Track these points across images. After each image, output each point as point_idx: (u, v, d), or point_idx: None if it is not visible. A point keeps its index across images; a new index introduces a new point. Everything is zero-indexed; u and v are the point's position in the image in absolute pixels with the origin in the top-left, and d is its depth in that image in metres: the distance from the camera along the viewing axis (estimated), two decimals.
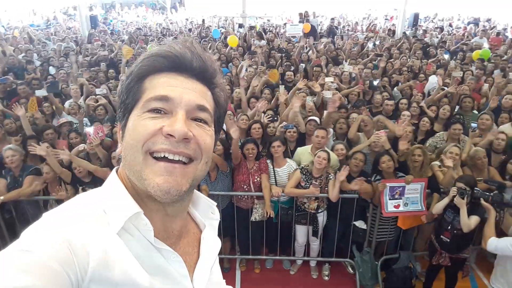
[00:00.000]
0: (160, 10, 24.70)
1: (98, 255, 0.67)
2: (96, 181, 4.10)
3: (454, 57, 9.29)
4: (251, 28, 12.45)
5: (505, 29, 14.64)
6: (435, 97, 6.18)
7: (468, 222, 3.45)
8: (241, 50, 9.68)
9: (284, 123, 4.77)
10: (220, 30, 12.61)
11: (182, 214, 0.88)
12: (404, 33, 13.35)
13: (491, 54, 9.15)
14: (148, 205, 0.78)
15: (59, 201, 4.10)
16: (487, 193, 3.49)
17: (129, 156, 0.75)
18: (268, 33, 11.71)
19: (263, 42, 10.34)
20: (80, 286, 0.65)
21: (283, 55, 8.76)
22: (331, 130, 4.87)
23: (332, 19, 15.78)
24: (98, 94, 6.07)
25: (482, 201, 3.46)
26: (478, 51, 9.32)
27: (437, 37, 12.89)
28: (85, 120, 5.66)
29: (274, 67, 7.92)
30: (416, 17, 15.35)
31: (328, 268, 4.53)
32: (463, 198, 3.43)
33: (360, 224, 4.22)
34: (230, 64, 8.61)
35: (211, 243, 0.95)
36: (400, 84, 7.16)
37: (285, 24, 14.36)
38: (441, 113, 5.42)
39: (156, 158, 0.73)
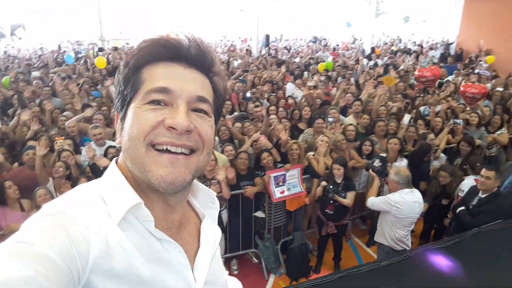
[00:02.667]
0: None
1: (99, 246, 0.67)
2: None
3: (307, 69, 10.76)
4: (115, 49, 12.21)
5: (338, 45, 17.48)
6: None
7: (347, 201, 4.28)
8: (105, 72, 9.49)
9: None
10: (77, 55, 12.01)
11: (182, 204, 0.88)
12: (260, 52, 14.82)
13: (333, 65, 10.96)
14: (148, 196, 0.79)
15: None
16: (374, 165, 4.40)
17: (131, 149, 0.75)
18: None
19: None
20: (81, 277, 0.65)
21: None
22: (216, 137, 5.31)
23: None
24: None
25: (370, 171, 4.39)
26: (322, 64, 11.01)
27: (287, 54, 14.70)
28: None
29: None
30: (267, 38, 17.15)
31: (236, 262, 4.86)
32: (330, 194, 4.29)
33: (259, 213, 4.69)
34: (99, 86, 8.38)
35: (210, 233, 0.94)
36: (265, 94, 8.05)
37: None
38: (304, 114, 6.32)
39: (159, 150, 0.74)
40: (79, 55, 12.18)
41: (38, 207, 3.61)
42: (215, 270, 0.94)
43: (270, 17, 20.55)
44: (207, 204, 0.97)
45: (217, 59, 0.85)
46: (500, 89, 8.40)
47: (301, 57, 12.57)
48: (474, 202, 3.94)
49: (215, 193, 1.01)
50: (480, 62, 12.19)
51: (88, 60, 10.98)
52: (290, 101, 7.30)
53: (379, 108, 6.26)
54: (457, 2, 16.32)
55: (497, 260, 3.10)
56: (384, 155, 4.92)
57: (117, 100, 0.81)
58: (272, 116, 5.99)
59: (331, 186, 4.33)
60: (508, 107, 7.03)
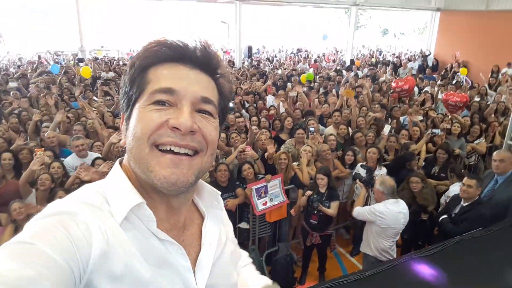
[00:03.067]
0: None
1: (100, 246, 0.67)
2: None
3: (289, 81, 10.83)
4: (96, 59, 12.09)
5: (319, 57, 17.71)
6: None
7: (331, 211, 4.27)
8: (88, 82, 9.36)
9: None
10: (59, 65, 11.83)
11: (186, 205, 0.88)
12: (243, 63, 14.89)
13: (314, 76, 11.09)
14: (152, 197, 0.79)
15: None
16: (362, 175, 4.41)
17: (134, 149, 0.74)
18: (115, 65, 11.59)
19: (111, 74, 10.18)
20: (82, 276, 0.64)
21: None
22: None
23: None
24: None
25: (358, 181, 4.38)
26: (304, 75, 11.12)
27: (269, 66, 14.81)
28: None
29: None
30: (250, 49, 17.22)
31: None
32: (314, 204, 4.28)
33: (243, 225, 4.63)
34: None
35: (213, 234, 0.92)
36: (247, 104, 8.07)
37: (130, 58, 14.28)
38: (286, 124, 6.34)
39: (162, 151, 0.73)
40: (59, 66, 11.98)
41: (14, 221, 3.47)
42: (220, 273, 0.91)
43: (253, 28, 20.73)
44: (211, 203, 0.94)
45: (223, 61, 0.85)
46: (478, 99, 8.63)
47: (284, 69, 12.66)
48: (457, 210, 3.98)
49: (220, 192, 0.98)
50: (457, 73, 12.55)
51: (69, 70, 10.84)
52: (272, 111, 7.31)
53: (358, 119, 6.35)
54: (434, 16, 16.84)
55: (478, 268, 3.13)
56: (363, 163, 4.95)
57: (122, 100, 0.81)
58: (253, 127, 5.99)
59: (315, 196, 4.32)
60: (485, 117, 7.21)
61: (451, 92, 7.80)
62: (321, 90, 9.80)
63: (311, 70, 12.61)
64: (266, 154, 5.00)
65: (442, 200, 4.70)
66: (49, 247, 0.61)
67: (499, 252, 3.29)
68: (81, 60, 13.46)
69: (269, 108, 7.58)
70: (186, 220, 0.88)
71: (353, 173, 4.67)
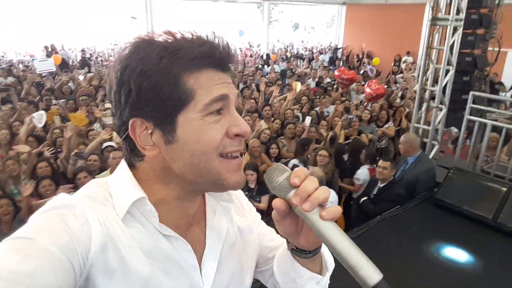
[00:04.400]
0: None
1: (100, 239, 0.67)
2: None
3: None
4: None
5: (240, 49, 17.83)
6: None
7: (263, 205, 4.32)
8: None
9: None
10: None
11: (197, 200, 0.86)
12: None
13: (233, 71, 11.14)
14: (164, 196, 0.78)
15: None
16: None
17: (202, 163, 0.72)
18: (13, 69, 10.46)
19: (11, 79, 9.18)
20: (82, 271, 0.64)
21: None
22: None
23: (83, 50, 15.29)
24: None
25: None
26: None
27: None
28: None
29: (34, 103, 7.25)
30: None
31: None
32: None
33: None
34: None
35: (219, 229, 0.88)
36: None
37: (33, 60, 12.95)
38: None
39: (227, 158, 0.74)
40: None
41: None
42: (230, 271, 0.88)
43: (165, 25, 20.10)
44: (222, 195, 0.90)
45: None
46: (385, 86, 9.36)
47: None
48: (375, 191, 4.28)
49: None
50: (364, 64, 13.51)
51: None
52: None
53: (286, 111, 6.51)
54: (340, 10, 17.90)
55: (398, 244, 3.41)
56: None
57: (149, 107, 0.70)
58: None
59: (246, 192, 4.34)
60: (391, 103, 7.86)
61: (342, 68, 8.36)
62: (241, 86, 9.86)
63: None
64: None
65: (356, 182, 4.99)
66: (48, 241, 0.60)
67: (415, 227, 3.62)
68: None
69: None
70: (195, 215, 0.86)
71: (291, 165, 4.76)
